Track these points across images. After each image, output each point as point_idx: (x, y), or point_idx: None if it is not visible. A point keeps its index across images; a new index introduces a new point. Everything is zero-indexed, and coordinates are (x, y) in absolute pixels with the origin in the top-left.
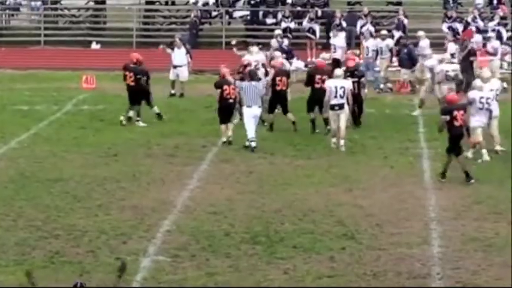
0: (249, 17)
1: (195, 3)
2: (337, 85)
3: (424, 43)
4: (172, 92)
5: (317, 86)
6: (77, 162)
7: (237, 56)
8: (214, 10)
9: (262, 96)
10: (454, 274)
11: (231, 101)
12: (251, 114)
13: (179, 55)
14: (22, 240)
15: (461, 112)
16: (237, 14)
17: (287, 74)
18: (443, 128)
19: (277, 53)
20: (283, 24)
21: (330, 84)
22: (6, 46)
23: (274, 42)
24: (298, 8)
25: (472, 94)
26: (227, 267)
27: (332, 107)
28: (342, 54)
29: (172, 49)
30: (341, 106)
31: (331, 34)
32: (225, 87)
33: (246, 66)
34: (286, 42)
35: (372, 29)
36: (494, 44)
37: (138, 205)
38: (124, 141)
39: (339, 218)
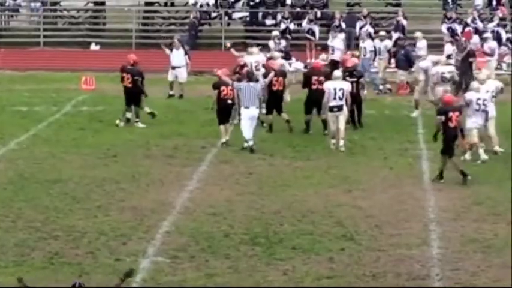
0: (248, 18)
1: (194, 4)
2: (336, 87)
3: (422, 44)
4: (171, 93)
5: (314, 87)
6: (76, 163)
7: (236, 57)
8: (214, 11)
9: (260, 97)
10: (454, 275)
11: (229, 101)
12: (249, 115)
13: (178, 56)
14: (21, 241)
15: (457, 113)
16: (236, 15)
17: (284, 74)
18: (440, 128)
19: (277, 54)
20: (283, 25)
21: (328, 86)
22: (5, 47)
23: (271, 44)
24: (298, 9)
25: (469, 95)
26: (226, 268)
27: (331, 109)
28: (340, 56)
29: (171, 50)
30: (340, 108)
31: (329, 35)
32: (223, 88)
33: (242, 66)
34: (283, 43)
35: (371, 30)
36: (491, 44)
37: (138, 206)
38: (123, 142)
39: (338, 219)
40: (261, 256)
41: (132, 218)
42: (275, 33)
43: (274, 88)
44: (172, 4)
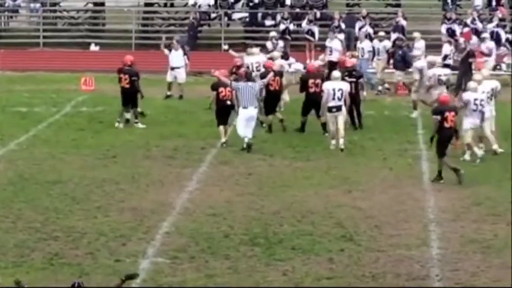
0: (247, 19)
1: (194, 5)
2: (335, 87)
3: (420, 44)
4: (168, 93)
5: (311, 90)
6: (75, 164)
7: (235, 57)
8: (213, 12)
9: (258, 97)
10: (453, 276)
11: (228, 102)
12: (247, 115)
13: (176, 57)
14: (21, 242)
15: (453, 113)
16: (235, 15)
17: (281, 74)
18: (436, 128)
19: (276, 54)
20: (282, 26)
21: (327, 86)
22: (5, 48)
23: (269, 44)
24: (297, 10)
25: (467, 95)
26: (226, 269)
27: (330, 109)
28: (338, 57)
29: (170, 51)
30: (339, 108)
31: (328, 36)
32: (221, 89)
33: (239, 67)
34: (281, 44)
35: (371, 30)
36: (488, 44)
37: (137, 207)
38: (123, 143)
39: (338, 219)
40: (261, 257)
41: (131, 218)
42: (272, 33)
43: (272, 88)
44: (172, 5)
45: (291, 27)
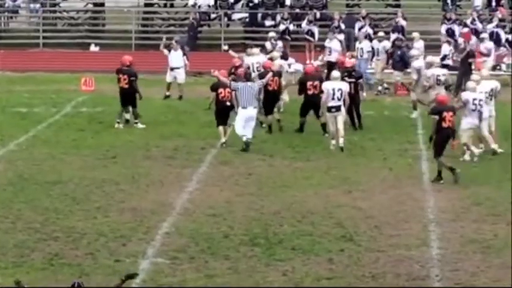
0: (247, 19)
1: (194, 6)
2: (335, 87)
3: (419, 44)
4: (167, 94)
5: (310, 92)
6: (75, 165)
7: (235, 58)
8: (213, 12)
9: (258, 98)
10: (453, 276)
11: (227, 103)
12: (246, 115)
13: (176, 57)
14: (21, 242)
15: (451, 113)
16: (235, 16)
17: (280, 74)
18: (435, 128)
19: (276, 54)
20: (282, 26)
21: (327, 86)
22: (5, 48)
23: (268, 45)
24: (297, 10)
25: (466, 95)
26: (226, 269)
27: (329, 109)
28: (336, 58)
29: (169, 51)
30: (338, 108)
31: (327, 36)
32: (220, 90)
33: (237, 67)
34: (280, 44)
35: (371, 31)
36: (487, 45)
37: (137, 207)
38: (123, 143)
39: (338, 219)
40: (261, 257)
41: (131, 219)
42: (271, 34)
43: (270, 88)
44: (172, 5)
45: (291, 27)
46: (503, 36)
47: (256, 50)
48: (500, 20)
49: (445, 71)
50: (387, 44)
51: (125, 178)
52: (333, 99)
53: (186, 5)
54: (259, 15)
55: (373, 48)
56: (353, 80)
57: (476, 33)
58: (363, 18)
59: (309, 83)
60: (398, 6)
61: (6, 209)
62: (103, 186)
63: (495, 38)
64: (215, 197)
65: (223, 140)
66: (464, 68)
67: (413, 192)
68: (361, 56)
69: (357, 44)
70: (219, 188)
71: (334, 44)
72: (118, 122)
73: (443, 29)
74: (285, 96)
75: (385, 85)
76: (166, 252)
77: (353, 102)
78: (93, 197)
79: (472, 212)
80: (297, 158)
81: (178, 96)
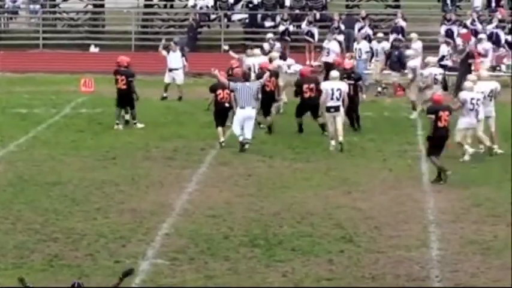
0: (247, 20)
1: (194, 7)
2: (334, 87)
3: (417, 45)
4: (164, 95)
5: (306, 95)
6: (75, 166)
7: (235, 59)
8: (213, 13)
9: (256, 98)
10: (453, 277)
11: (226, 104)
12: (244, 115)
13: (175, 58)
14: (21, 243)
15: (447, 113)
16: (235, 17)
17: (276, 74)
18: (432, 127)
19: (275, 54)
20: (282, 27)
21: (326, 86)
22: (4, 49)
23: (266, 46)
24: (297, 11)
25: (463, 95)
26: (226, 270)
27: (328, 109)
28: (334, 59)
29: (168, 52)
30: (337, 108)
31: (326, 37)
32: (219, 91)
33: (234, 68)
34: (278, 45)
35: (370, 31)
36: (485, 45)
37: (137, 208)
38: (122, 144)
39: (338, 220)
40: (261, 258)
41: (131, 220)
42: (269, 35)
43: (268, 89)
44: (172, 6)
45: (291, 28)
46: (503, 37)
47: (257, 51)
48: (500, 21)
49: (441, 70)
50: (386, 45)
51: (125, 179)
52: (332, 99)
53: (185, 6)
54: (259, 16)
55: (372, 49)
56: (352, 81)
57: (476, 34)
58: (363, 19)
59: (305, 86)
60: (398, 7)
61: (6, 210)
62: (103, 187)
63: (495, 39)
64: (215, 198)
65: (221, 139)
66: (464, 69)
67: (413, 193)
68: (360, 56)
69: (355, 45)
70: (219, 189)
71: (333, 45)
72: (117, 123)
73: (442, 29)
74: (283, 97)
75: (383, 85)
76: (166, 253)
77: (352, 104)
78: (92, 198)
79: (472, 213)
80: (297, 159)
81: (178, 97)
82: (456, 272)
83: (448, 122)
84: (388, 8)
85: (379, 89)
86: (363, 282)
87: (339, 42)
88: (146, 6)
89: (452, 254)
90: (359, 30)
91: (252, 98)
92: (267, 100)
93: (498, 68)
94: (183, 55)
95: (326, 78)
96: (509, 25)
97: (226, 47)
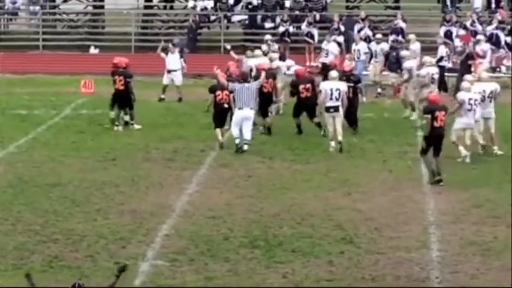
0: (247, 21)
1: (194, 8)
2: (333, 87)
3: (415, 46)
4: (162, 96)
5: (302, 95)
6: (75, 167)
7: (235, 59)
8: (213, 14)
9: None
10: (453, 278)
11: (225, 106)
12: (242, 116)
13: (173, 60)
14: (21, 244)
15: (443, 113)
16: (235, 18)
17: (274, 76)
18: (429, 127)
19: (275, 55)
20: (282, 28)
21: (325, 86)
22: (4, 51)
23: (264, 47)
24: (297, 12)
25: (461, 95)
26: (226, 272)
27: (327, 109)
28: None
29: (166, 54)
30: (336, 108)
31: (325, 38)
32: (218, 92)
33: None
34: (276, 46)
35: (370, 33)
36: (483, 46)
37: (137, 209)
38: (122, 145)
39: (338, 222)
40: (261, 259)
41: (131, 221)
42: (267, 36)
43: (265, 90)
44: (172, 7)
45: (291, 29)
46: (503, 38)
47: (258, 52)
48: (500, 22)
49: (437, 69)
50: (385, 46)
51: (125, 180)
52: (331, 99)
53: (185, 7)
54: (259, 17)
55: (370, 50)
56: (351, 84)
57: (476, 35)
58: (362, 20)
59: (301, 86)
60: (397, 8)
61: (6, 211)
62: (103, 189)
63: (494, 40)
64: (215, 199)
65: (220, 139)
66: (464, 70)
67: (413, 195)
68: (358, 58)
69: (354, 46)
70: (219, 190)
71: (332, 47)
72: (117, 125)
73: (441, 31)
74: (282, 98)
75: (382, 86)
76: (166, 254)
77: (351, 106)
78: (92, 199)
79: (472, 214)
80: (297, 160)
81: (178, 98)
82: (456, 273)
83: (444, 122)
84: (388, 9)
85: (379, 90)
86: (363, 283)
87: (339, 44)
88: (146, 7)
89: (452, 255)
90: (359, 31)
91: (250, 98)
92: (264, 101)
93: (498, 69)
94: (181, 56)
95: (324, 79)
96: (509, 26)
97: (228, 47)
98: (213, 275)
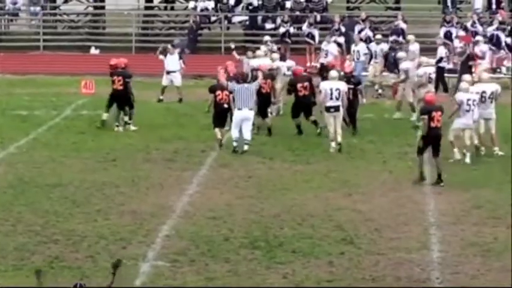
0: (248, 22)
1: (194, 9)
2: (333, 87)
3: (414, 47)
4: (161, 97)
5: (300, 94)
6: (75, 167)
7: (237, 60)
8: (213, 15)
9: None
10: (453, 278)
11: (225, 106)
12: (241, 116)
13: (172, 61)
14: (21, 245)
15: (439, 113)
16: (236, 19)
17: (272, 76)
18: (426, 128)
19: (275, 55)
20: (282, 29)
21: (325, 86)
22: (5, 51)
23: (262, 48)
24: (297, 13)
25: (460, 96)
26: (226, 272)
27: (328, 109)
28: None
29: (165, 55)
30: (336, 108)
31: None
32: (218, 92)
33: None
34: (275, 47)
35: (370, 33)
36: (482, 47)
37: (137, 210)
38: (123, 146)
39: (338, 222)
40: (261, 260)
41: (131, 222)
42: (266, 38)
43: (264, 91)
44: (172, 8)
45: (291, 30)
46: (503, 38)
47: (260, 52)
48: (501, 23)
49: (433, 69)
50: (385, 47)
51: (125, 181)
52: (331, 99)
53: (186, 8)
54: (260, 18)
55: (370, 50)
56: (351, 85)
57: (477, 36)
58: (363, 21)
59: (299, 85)
60: (398, 9)
61: (7, 212)
62: (103, 189)
63: (495, 41)
64: (215, 199)
65: (219, 137)
66: (464, 71)
67: (413, 195)
68: (358, 58)
69: (353, 47)
70: (219, 191)
71: (331, 47)
72: (117, 125)
73: (442, 31)
74: (281, 99)
75: (381, 86)
76: (166, 255)
77: (351, 108)
78: (93, 199)
79: (472, 215)
80: (297, 160)
81: (178, 99)
82: (456, 274)
83: (441, 122)
84: (389, 10)
85: (380, 90)
86: (363, 284)
87: (339, 45)
88: (147, 8)
89: (452, 256)
90: (359, 32)
91: (250, 99)
92: (262, 102)
93: (498, 70)
94: (181, 57)
95: (323, 79)
96: (510, 27)
97: (233, 46)
98: (214, 276)
